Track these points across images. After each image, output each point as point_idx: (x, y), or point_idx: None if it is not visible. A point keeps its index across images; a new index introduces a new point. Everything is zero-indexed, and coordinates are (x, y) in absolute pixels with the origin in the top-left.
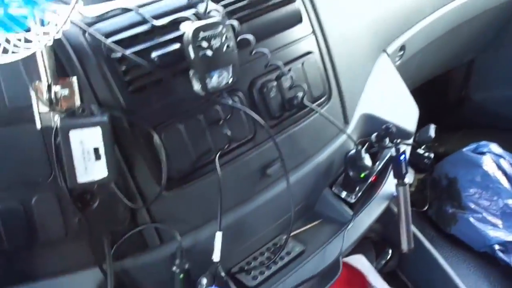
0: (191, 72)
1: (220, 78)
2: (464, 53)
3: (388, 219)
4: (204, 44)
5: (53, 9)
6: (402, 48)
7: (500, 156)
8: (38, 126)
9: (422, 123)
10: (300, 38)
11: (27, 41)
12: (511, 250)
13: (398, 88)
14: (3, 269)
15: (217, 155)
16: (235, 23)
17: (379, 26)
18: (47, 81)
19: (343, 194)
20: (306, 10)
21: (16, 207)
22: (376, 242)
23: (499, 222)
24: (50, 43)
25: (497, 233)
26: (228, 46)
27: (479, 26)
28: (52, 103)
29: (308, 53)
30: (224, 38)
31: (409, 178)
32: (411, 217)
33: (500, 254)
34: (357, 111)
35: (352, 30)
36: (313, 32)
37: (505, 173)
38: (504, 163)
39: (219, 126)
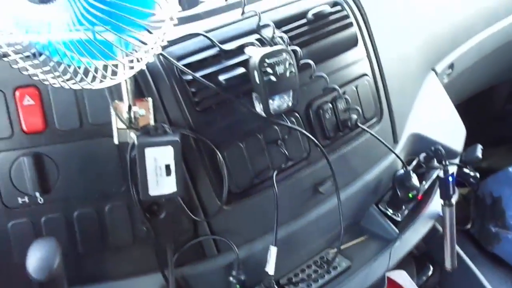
0: (254, 95)
1: (281, 102)
2: (510, 69)
3: (430, 236)
4: (269, 70)
5: (141, 37)
6: (451, 66)
7: None
8: (116, 141)
9: (467, 137)
10: (355, 61)
11: (113, 71)
12: None
13: (445, 107)
14: (76, 269)
15: (275, 172)
16: (298, 49)
17: (429, 45)
18: (128, 101)
19: (390, 212)
20: (361, 33)
21: (91, 214)
22: (417, 257)
23: None
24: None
25: None
26: (290, 72)
27: None
28: (131, 122)
29: (362, 75)
30: (287, 64)
31: (455, 197)
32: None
33: None
34: (405, 130)
35: (403, 50)
36: (367, 54)
37: None
38: None
39: (277, 146)
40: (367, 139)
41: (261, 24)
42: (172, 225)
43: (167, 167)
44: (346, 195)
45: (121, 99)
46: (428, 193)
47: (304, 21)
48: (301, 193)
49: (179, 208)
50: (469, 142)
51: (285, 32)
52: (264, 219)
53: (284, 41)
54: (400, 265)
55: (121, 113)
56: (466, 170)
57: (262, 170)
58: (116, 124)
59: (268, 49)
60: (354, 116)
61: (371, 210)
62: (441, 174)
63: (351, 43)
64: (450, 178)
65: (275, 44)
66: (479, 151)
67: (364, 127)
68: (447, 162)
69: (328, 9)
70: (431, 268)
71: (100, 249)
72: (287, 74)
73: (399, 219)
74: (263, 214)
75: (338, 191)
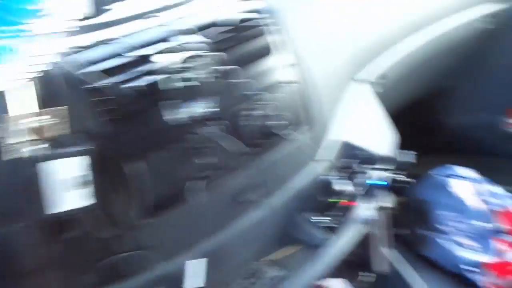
0: (173, 102)
1: (201, 108)
2: (441, 79)
3: (368, 242)
4: (188, 75)
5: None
6: (384, 76)
7: (468, 178)
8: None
9: (402, 146)
10: (281, 68)
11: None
12: (480, 271)
13: (377, 116)
14: None
15: (196, 182)
16: (219, 54)
17: (360, 57)
18: (30, 111)
19: (320, 219)
20: (286, 41)
21: None
22: (355, 265)
23: (468, 243)
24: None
25: (466, 253)
26: (211, 78)
27: (458, 53)
28: (34, 133)
29: (287, 82)
30: (207, 70)
31: (388, 202)
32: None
33: (469, 275)
34: (335, 138)
35: (333, 59)
36: (293, 62)
37: (473, 195)
38: (472, 185)
39: (199, 154)
40: (289, 146)
41: (180, 29)
42: (87, 243)
43: (77, 179)
44: (274, 204)
45: (20, 109)
46: (361, 199)
47: (226, 27)
48: (226, 203)
49: (94, 224)
50: (405, 150)
51: (207, 38)
52: (189, 233)
53: (205, 47)
54: (339, 274)
55: (21, 124)
56: (398, 176)
57: (184, 181)
58: (15, 138)
59: (186, 54)
60: (279, 123)
61: (300, 218)
62: (372, 178)
63: (270, 48)
64: (381, 183)
65: (196, 49)
66: (410, 156)
67: (288, 132)
68: (377, 167)
69: (251, 16)
70: (369, 274)
71: (5, 275)
72: (207, 80)
73: (329, 225)
74: (185, 227)
75: (264, 199)
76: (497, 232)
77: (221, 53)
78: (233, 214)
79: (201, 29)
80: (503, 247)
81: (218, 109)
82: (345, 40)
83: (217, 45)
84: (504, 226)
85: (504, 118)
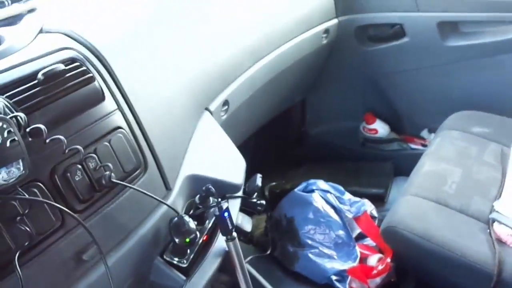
0: None
1: (8, 175)
2: (292, 96)
3: (230, 271)
4: None
5: None
6: (225, 103)
7: (327, 191)
8: None
9: (269, 161)
10: (105, 116)
11: None
12: (346, 278)
13: (223, 144)
14: None
15: (17, 254)
16: (20, 115)
17: (197, 87)
18: None
19: (175, 260)
20: (108, 87)
21: None
22: None
23: (333, 253)
24: None
25: (333, 263)
26: (12, 141)
27: (300, 70)
28: None
29: (115, 129)
30: (5, 133)
31: (247, 226)
32: (258, 262)
33: (337, 284)
34: (181, 174)
35: (166, 96)
36: (118, 107)
37: (332, 206)
38: (331, 197)
39: (17, 223)
40: (133, 193)
41: None
42: None
43: None
44: (120, 254)
45: None
46: (214, 233)
47: (33, 82)
48: (63, 266)
49: None
50: (272, 166)
51: (10, 97)
52: None
53: (4, 108)
54: None
55: None
56: (252, 200)
57: (2, 253)
58: None
59: None
60: (108, 173)
61: (156, 263)
62: (217, 211)
63: (97, 98)
64: (226, 214)
65: None
66: (258, 180)
67: (118, 181)
68: (220, 199)
69: (61, 66)
70: None
71: None
72: (7, 144)
73: (185, 265)
74: None
75: (103, 254)
76: (358, 238)
77: (38, 110)
78: (72, 276)
79: (12, 86)
80: (364, 251)
81: (33, 172)
82: (183, 72)
83: (31, 102)
84: (363, 231)
85: (362, 124)
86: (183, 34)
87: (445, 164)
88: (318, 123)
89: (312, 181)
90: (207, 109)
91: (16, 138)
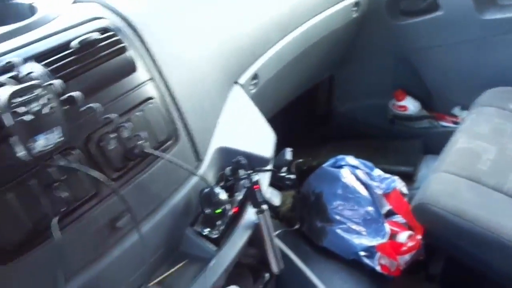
0: (12, 139)
1: (47, 141)
2: (320, 71)
3: (259, 244)
4: (22, 109)
5: None
6: (255, 77)
7: (356, 167)
8: None
9: (296, 138)
10: (138, 86)
11: None
12: (375, 254)
13: (253, 117)
14: None
15: (55, 219)
16: (56, 82)
17: (227, 59)
18: None
19: (206, 231)
20: (141, 57)
21: None
22: (253, 267)
23: (362, 229)
24: None
25: (361, 240)
26: (51, 108)
27: (328, 45)
28: None
29: (148, 99)
30: (45, 99)
31: (276, 200)
32: (286, 237)
33: (365, 260)
34: (211, 146)
35: (197, 67)
36: (151, 77)
37: (362, 182)
38: (360, 173)
39: (54, 189)
40: (165, 163)
41: (14, 60)
42: None
43: None
44: (152, 224)
45: None
46: (243, 205)
47: (69, 51)
48: (97, 233)
49: None
50: (299, 143)
51: (47, 65)
52: (52, 271)
53: (42, 76)
54: (236, 279)
55: None
56: (281, 174)
57: (39, 219)
58: None
59: (16, 87)
60: (141, 143)
61: (186, 233)
62: (247, 183)
63: (130, 68)
64: (257, 186)
65: (31, 80)
66: (288, 154)
67: (152, 150)
68: (252, 171)
69: (95, 35)
70: (267, 274)
71: None
72: (47, 110)
73: (215, 236)
74: (51, 267)
75: (137, 222)
76: (387, 215)
77: (72, 79)
78: (106, 243)
79: (48, 55)
80: (394, 228)
81: (70, 140)
82: (215, 44)
83: (66, 71)
84: (393, 207)
85: (391, 101)
86: (212, 4)
87: (480, 141)
88: (346, 100)
89: (341, 156)
90: (236, 82)
91: (55, 105)
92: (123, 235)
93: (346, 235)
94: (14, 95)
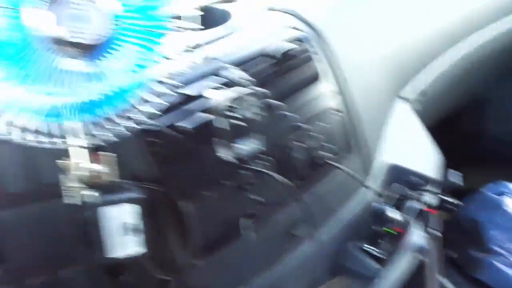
0: (218, 141)
1: (247, 146)
2: (483, 89)
3: (421, 271)
4: (232, 113)
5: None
6: (424, 93)
7: None
8: (69, 201)
9: (446, 159)
10: (319, 96)
11: None
12: None
13: (419, 135)
14: None
15: (246, 220)
16: (262, 90)
17: (398, 72)
18: (83, 157)
19: (370, 248)
20: (325, 67)
21: (48, 282)
22: None
23: None
24: None
25: None
26: (255, 114)
27: (497, 62)
28: (85, 179)
29: (327, 109)
30: (251, 106)
31: (439, 227)
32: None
33: None
34: (377, 161)
35: (370, 79)
36: (333, 88)
37: None
38: None
39: (247, 191)
40: (337, 175)
41: (221, 65)
42: (139, 286)
43: (130, 226)
44: (322, 234)
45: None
46: (410, 226)
47: (264, 59)
48: (276, 238)
49: (145, 267)
50: (450, 163)
51: (246, 72)
52: (240, 270)
53: (246, 82)
54: None
55: (74, 170)
56: (446, 198)
57: (232, 219)
58: (68, 183)
59: (230, 92)
60: (324, 153)
61: (350, 248)
62: (420, 204)
63: (314, 77)
64: (429, 208)
65: (238, 85)
66: (458, 178)
67: (335, 163)
68: (424, 191)
69: (288, 45)
70: None
71: None
72: (252, 116)
73: (380, 254)
74: (238, 264)
75: (315, 231)
76: None
77: (267, 87)
78: (283, 249)
79: (247, 62)
80: None
81: (264, 145)
82: (388, 57)
83: (263, 78)
84: None
85: None
86: (383, 10)
87: None
88: (502, 120)
89: (503, 182)
90: (404, 97)
91: (258, 112)
92: (298, 243)
93: (506, 269)
94: (227, 99)
